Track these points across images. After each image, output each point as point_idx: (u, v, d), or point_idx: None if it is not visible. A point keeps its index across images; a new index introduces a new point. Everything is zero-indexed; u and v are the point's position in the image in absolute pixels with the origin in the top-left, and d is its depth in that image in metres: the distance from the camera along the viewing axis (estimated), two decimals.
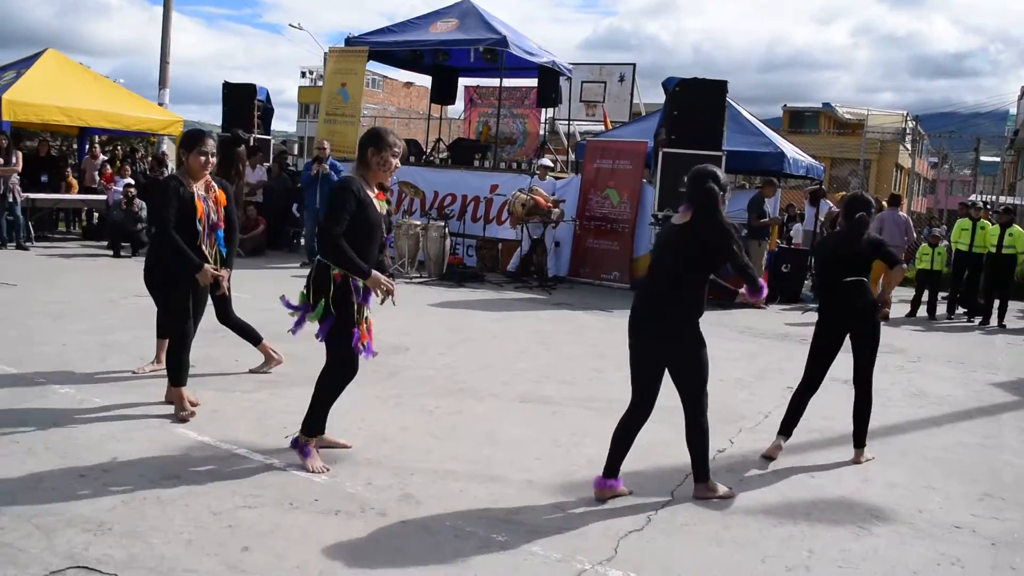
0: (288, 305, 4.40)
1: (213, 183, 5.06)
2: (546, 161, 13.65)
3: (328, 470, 4.16)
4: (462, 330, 8.30)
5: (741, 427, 5.50)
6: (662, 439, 4.88)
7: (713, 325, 9.40)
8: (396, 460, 4.38)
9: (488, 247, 13.37)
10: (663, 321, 3.95)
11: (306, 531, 3.50)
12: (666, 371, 4.02)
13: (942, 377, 7.65)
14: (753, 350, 8.28)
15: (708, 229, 3.90)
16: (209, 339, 7.00)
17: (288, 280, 11.10)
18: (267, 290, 9.95)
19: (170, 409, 4.95)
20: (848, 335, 5.02)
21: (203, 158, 4.92)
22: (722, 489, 4.18)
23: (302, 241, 14.17)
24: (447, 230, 12.49)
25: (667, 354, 3.99)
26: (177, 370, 4.95)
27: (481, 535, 3.54)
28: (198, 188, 4.94)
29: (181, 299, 4.99)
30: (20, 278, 9.83)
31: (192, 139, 4.97)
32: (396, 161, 4.27)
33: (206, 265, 4.89)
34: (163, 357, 5.54)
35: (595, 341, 8.20)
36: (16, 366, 5.82)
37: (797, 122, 41.48)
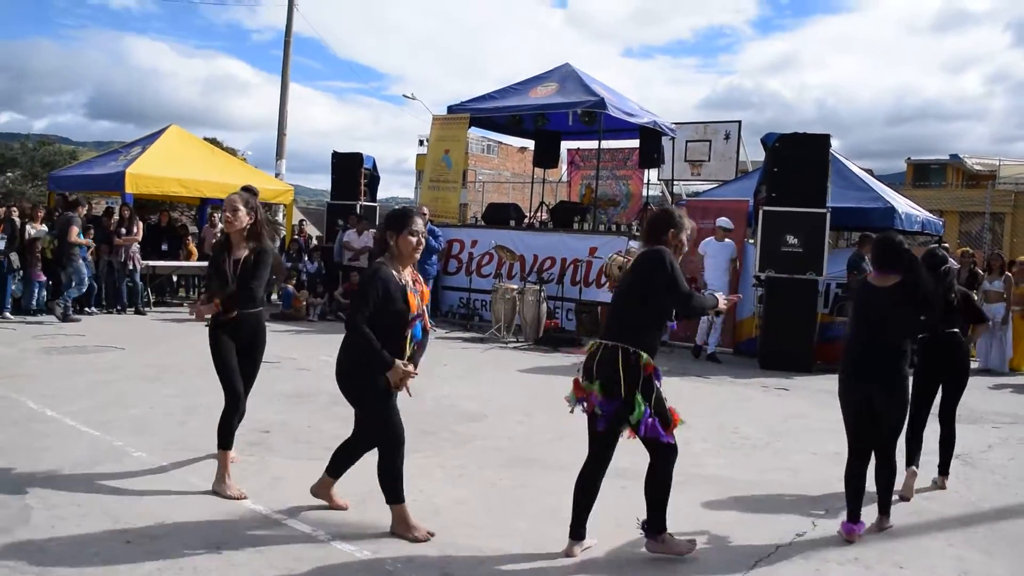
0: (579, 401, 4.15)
1: (419, 275, 4.34)
2: (724, 222, 12.44)
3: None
4: (546, 396, 8.07)
5: (828, 507, 5.04)
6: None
7: (814, 394, 8.90)
8: (445, 536, 4.19)
9: (587, 310, 13.14)
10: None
11: None
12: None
13: None
14: None
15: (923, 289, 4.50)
16: (287, 404, 7.07)
17: None
18: None
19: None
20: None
21: (415, 239, 4.15)
22: None
23: None
24: (543, 294, 12.37)
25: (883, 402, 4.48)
26: (394, 484, 4.20)
27: None
28: (406, 276, 4.18)
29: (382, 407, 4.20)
30: (129, 342, 10.26)
31: (400, 219, 4.17)
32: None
33: (397, 362, 4.11)
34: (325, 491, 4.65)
35: (685, 410, 7.80)
36: (101, 429, 5.97)
37: (922, 175, 39.62)
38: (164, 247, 15.43)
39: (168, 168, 14.50)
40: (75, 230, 12.24)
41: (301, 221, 20.54)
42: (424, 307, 4.28)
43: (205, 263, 15.52)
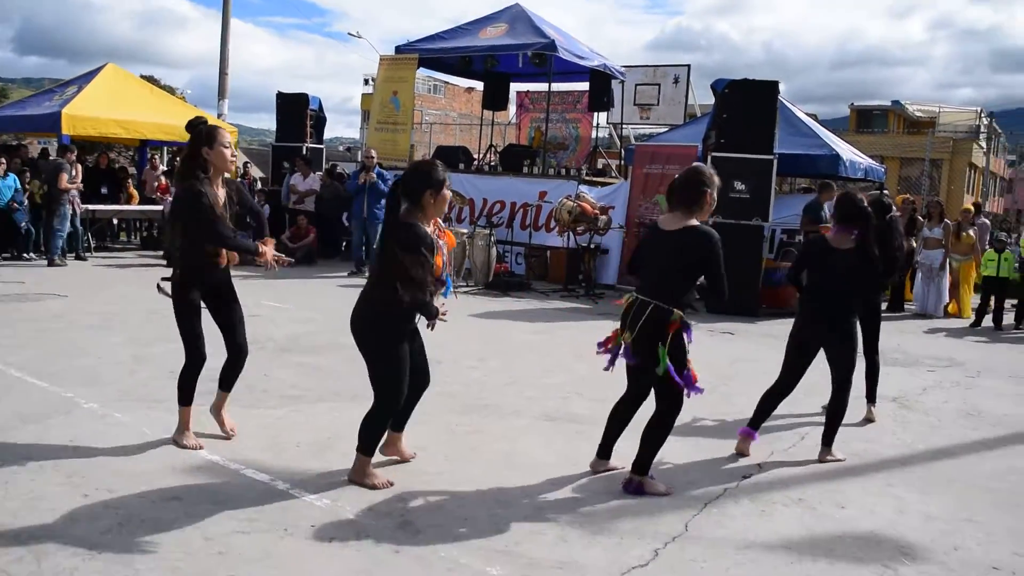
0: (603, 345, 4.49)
1: (440, 225, 4.20)
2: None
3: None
4: (498, 342, 8.17)
5: (773, 449, 5.23)
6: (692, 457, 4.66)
7: (760, 337, 9.13)
8: (404, 483, 4.25)
9: (536, 255, 13.21)
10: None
11: (295, 559, 3.39)
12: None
13: (1002, 394, 7.22)
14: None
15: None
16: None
17: (335, 289, 11.14)
18: (311, 301, 10.01)
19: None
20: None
21: (450, 195, 4.14)
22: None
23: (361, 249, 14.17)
24: (493, 238, 12.38)
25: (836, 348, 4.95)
26: (375, 438, 4.25)
27: (475, 568, 3.39)
28: (432, 230, 4.07)
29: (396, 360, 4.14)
30: (72, 289, 10.04)
31: (440, 177, 4.05)
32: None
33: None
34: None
35: None
36: (48, 380, 5.88)
37: (865, 121, 40.28)
38: (104, 190, 15.02)
39: (106, 109, 14.03)
40: (64, 176, 12.39)
41: (245, 163, 20.12)
42: (450, 255, 4.27)
43: (147, 207, 15.28)
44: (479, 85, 18.84)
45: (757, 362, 7.73)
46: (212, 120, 5.77)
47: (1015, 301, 11.71)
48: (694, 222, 4.21)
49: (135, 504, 3.84)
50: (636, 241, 12.29)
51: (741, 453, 5.07)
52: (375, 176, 12.55)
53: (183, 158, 4.61)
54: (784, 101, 12.44)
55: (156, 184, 15.96)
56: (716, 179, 4.32)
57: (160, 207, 14.93)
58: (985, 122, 32.27)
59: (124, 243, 16.70)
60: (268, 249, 4.60)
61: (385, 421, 4.21)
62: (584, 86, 16.44)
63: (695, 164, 4.56)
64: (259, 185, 17.88)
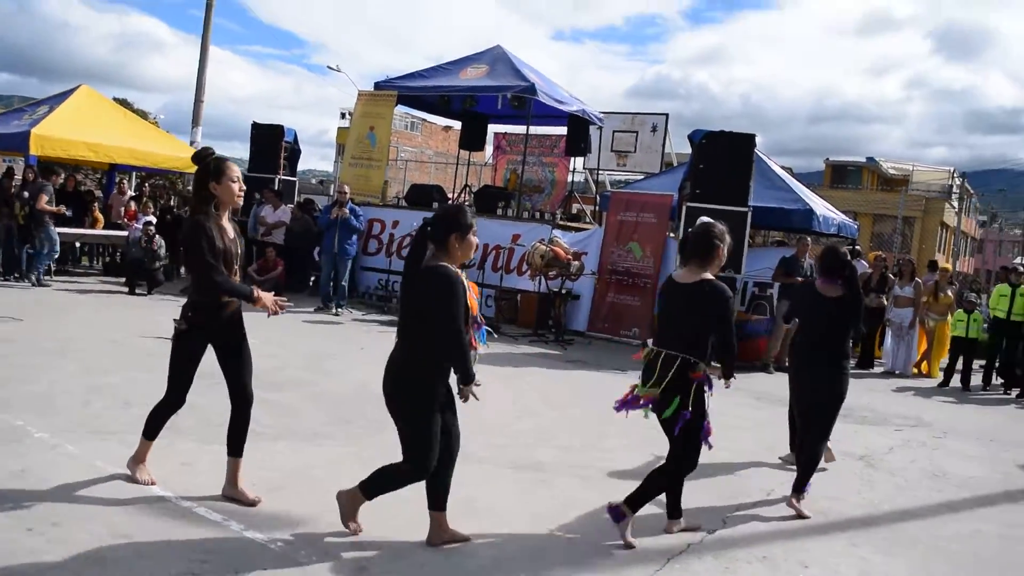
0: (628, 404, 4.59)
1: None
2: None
3: None
4: None
5: (739, 504, 5.24)
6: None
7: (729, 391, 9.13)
8: (363, 529, 4.20)
9: (507, 298, 13.23)
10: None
11: None
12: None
13: (968, 456, 7.30)
14: (765, 418, 7.97)
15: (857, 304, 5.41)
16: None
17: (300, 325, 11.06)
18: (275, 336, 9.90)
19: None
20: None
21: (476, 240, 4.04)
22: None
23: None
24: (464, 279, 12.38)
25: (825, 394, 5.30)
26: (386, 490, 4.14)
27: None
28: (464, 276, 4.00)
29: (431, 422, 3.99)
30: (29, 313, 9.89)
31: (467, 221, 3.96)
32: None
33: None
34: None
35: (604, 403, 7.96)
36: None
37: (840, 177, 41.03)
38: (68, 213, 14.86)
39: (77, 131, 13.94)
40: (44, 198, 12.56)
41: None
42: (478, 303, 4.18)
43: (112, 231, 15.13)
44: (457, 124, 19.01)
45: (725, 416, 7.74)
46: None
47: (983, 362, 11.91)
48: (708, 276, 4.44)
49: (81, 540, 3.75)
50: (606, 288, 12.48)
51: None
52: (347, 212, 12.55)
53: (193, 191, 4.47)
54: (760, 154, 12.67)
55: (123, 210, 15.84)
56: (727, 235, 4.58)
57: (125, 233, 14.82)
58: (958, 182, 33.00)
59: (86, 267, 16.50)
60: (266, 295, 4.40)
61: (408, 483, 4.03)
62: (562, 130, 16.64)
63: (706, 220, 4.76)
64: None
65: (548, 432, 6.58)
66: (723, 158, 10.99)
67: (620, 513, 4.38)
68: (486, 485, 5.15)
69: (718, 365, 4.49)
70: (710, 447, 4.56)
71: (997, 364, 11.82)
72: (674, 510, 4.63)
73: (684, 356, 4.33)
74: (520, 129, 16.69)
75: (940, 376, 11.86)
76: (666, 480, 4.51)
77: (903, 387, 11.09)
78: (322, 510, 4.32)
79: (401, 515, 4.47)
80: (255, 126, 16.08)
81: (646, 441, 6.69)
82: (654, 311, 12.25)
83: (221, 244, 4.29)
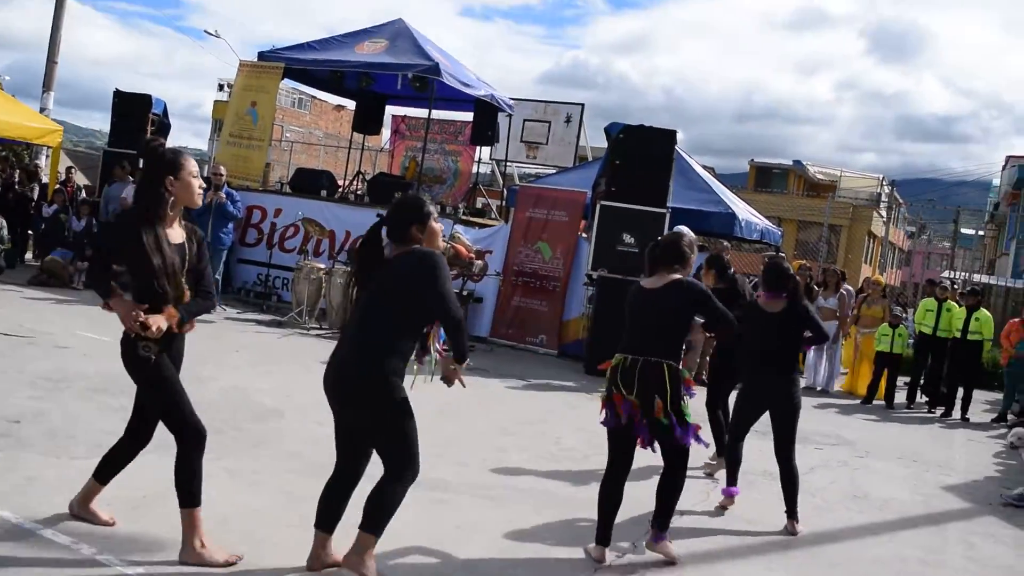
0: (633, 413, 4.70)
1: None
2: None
3: None
4: None
5: (646, 527, 5.35)
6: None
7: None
8: (235, 550, 4.13)
9: None
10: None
11: None
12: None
13: (890, 476, 7.66)
14: None
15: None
16: (42, 389, 6.70)
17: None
18: None
19: None
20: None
21: (437, 225, 4.20)
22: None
23: None
24: None
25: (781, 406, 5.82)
26: (388, 517, 4.10)
27: None
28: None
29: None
30: None
31: (426, 210, 4.14)
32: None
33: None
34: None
35: (505, 415, 8.05)
36: None
37: (764, 180, 42.41)
38: None
39: None
40: None
41: (69, 168, 19.34)
42: None
43: None
44: (351, 104, 18.84)
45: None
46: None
47: (907, 379, 12.47)
48: (678, 276, 4.81)
49: None
50: (512, 290, 12.56)
51: (723, 508, 5.94)
52: (224, 196, 12.30)
53: (139, 186, 4.18)
54: (681, 152, 13.00)
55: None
56: (695, 247, 5.06)
57: None
58: (887, 190, 34.45)
59: None
60: (122, 304, 4.02)
61: (404, 493, 4.03)
62: (468, 116, 16.68)
63: (678, 228, 5.53)
64: (83, 194, 17.17)
65: (446, 447, 6.60)
66: (641, 154, 11.20)
67: (660, 539, 4.80)
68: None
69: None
70: (707, 444, 5.18)
71: (922, 381, 12.40)
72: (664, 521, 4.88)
73: (668, 362, 4.67)
74: (421, 113, 16.63)
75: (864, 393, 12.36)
76: (680, 483, 4.84)
77: (825, 403, 11.53)
78: None
79: (273, 536, 4.42)
80: (118, 94, 15.58)
81: (546, 457, 6.79)
82: (562, 318, 12.44)
83: (159, 254, 3.99)
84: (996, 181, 45.62)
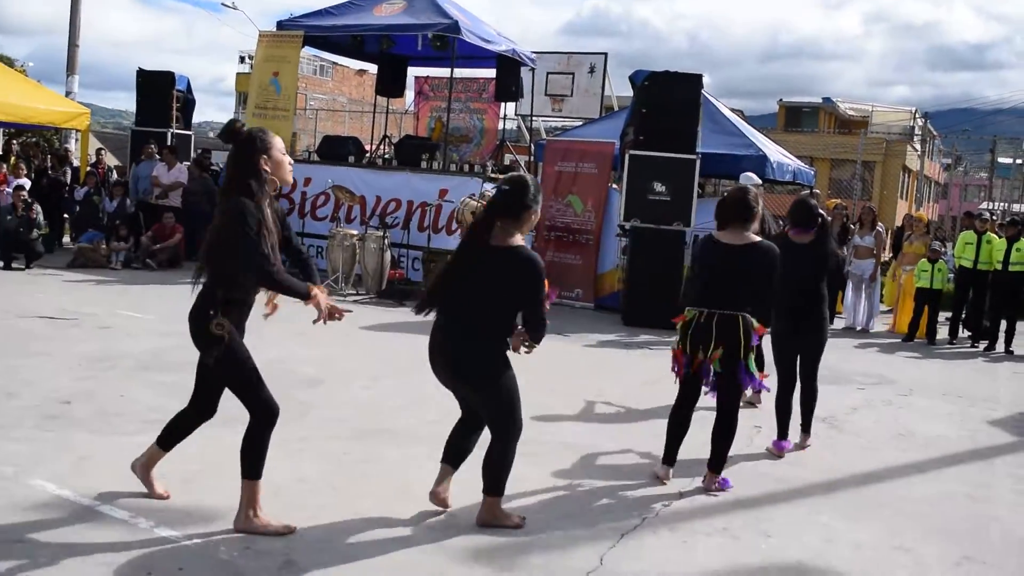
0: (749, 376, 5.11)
1: None
2: (750, 178, 13.01)
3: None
4: (393, 359, 8.16)
5: (693, 474, 5.39)
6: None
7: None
8: (285, 518, 4.22)
9: (435, 260, 13.22)
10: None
11: None
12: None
13: (935, 414, 7.63)
14: None
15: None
16: (89, 370, 6.84)
17: None
18: (175, 310, 9.71)
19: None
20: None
21: (538, 208, 4.45)
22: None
23: None
24: (387, 240, 12.36)
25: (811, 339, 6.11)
26: (506, 474, 4.38)
27: None
28: None
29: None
30: None
31: (534, 195, 4.35)
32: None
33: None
34: None
35: (545, 370, 8.08)
36: None
37: (794, 119, 41.76)
38: None
39: None
40: None
41: (99, 150, 19.52)
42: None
43: None
44: (372, 68, 18.76)
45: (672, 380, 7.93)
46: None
47: (949, 314, 12.36)
48: (756, 238, 5.16)
49: None
50: (545, 246, 12.56)
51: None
52: None
53: (230, 169, 4.20)
54: (708, 96, 12.85)
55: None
56: (761, 200, 5.40)
57: None
58: (920, 123, 33.84)
59: None
60: (321, 294, 4.13)
61: (513, 452, 4.32)
62: (490, 73, 16.56)
63: (742, 186, 5.61)
64: (114, 176, 17.35)
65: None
66: (668, 101, 11.09)
67: (721, 481, 5.16)
68: (420, 466, 5.18)
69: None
70: (768, 390, 5.61)
71: (963, 316, 12.29)
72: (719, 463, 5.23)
73: (743, 315, 4.99)
74: (444, 72, 16.52)
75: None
76: (735, 424, 5.18)
77: (865, 343, 11.48)
78: (238, 503, 4.33)
79: (321, 500, 4.51)
80: (141, 73, 15.70)
81: (587, 410, 6.84)
82: (597, 271, 12.42)
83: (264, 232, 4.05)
84: None
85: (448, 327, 4.31)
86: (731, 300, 5.00)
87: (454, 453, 4.54)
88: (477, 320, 4.24)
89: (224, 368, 4.15)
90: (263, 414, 4.11)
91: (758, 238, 5.17)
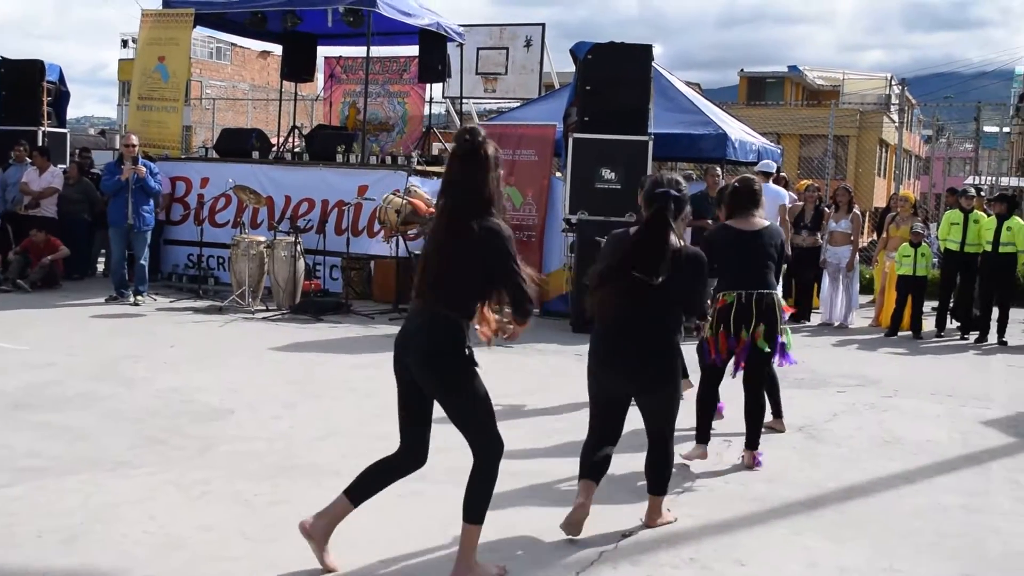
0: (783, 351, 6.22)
1: None
2: (767, 166, 12.68)
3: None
4: (309, 383, 8.09)
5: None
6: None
7: None
8: (192, 573, 4.15)
9: (356, 267, 13.16)
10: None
11: None
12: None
13: (923, 416, 7.76)
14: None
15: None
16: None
17: (86, 322, 10.72)
18: (54, 339, 9.57)
19: None
20: None
21: None
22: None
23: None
24: (300, 247, 12.24)
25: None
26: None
27: None
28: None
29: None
30: None
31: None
32: None
33: None
34: None
35: (492, 390, 8.06)
36: None
37: (757, 91, 42.37)
38: None
39: None
40: None
41: None
42: None
43: None
44: (277, 49, 18.62)
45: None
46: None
47: (935, 303, 12.56)
48: (765, 222, 6.20)
49: None
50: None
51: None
52: (143, 169, 12.15)
53: (482, 183, 4.11)
54: (660, 69, 12.95)
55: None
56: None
57: None
58: (897, 91, 34.49)
59: None
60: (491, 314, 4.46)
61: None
62: (412, 51, 16.56)
63: (746, 175, 6.58)
64: None
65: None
66: (615, 76, 11.13)
67: (758, 458, 6.10)
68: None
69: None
70: (796, 363, 6.65)
71: (951, 304, 12.50)
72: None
73: (773, 292, 6.01)
74: (359, 52, 16.45)
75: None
76: (764, 401, 6.29)
77: (844, 340, 11.65)
78: (141, 556, 4.25)
79: (231, 552, 4.44)
80: (4, 63, 15.41)
81: (538, 432, 6.83)
82: (541, 272, 12.43)
83: None
84: (1020, 68, 45.83)
85: (638, 345, 4.92)
86: (764, 280, 5.99)
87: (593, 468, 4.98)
88: (665, 327, 4.96)
89: (469, 399, 4.31)
90: (498, 450, 4.32)
91: (767, 222, 6.21)
